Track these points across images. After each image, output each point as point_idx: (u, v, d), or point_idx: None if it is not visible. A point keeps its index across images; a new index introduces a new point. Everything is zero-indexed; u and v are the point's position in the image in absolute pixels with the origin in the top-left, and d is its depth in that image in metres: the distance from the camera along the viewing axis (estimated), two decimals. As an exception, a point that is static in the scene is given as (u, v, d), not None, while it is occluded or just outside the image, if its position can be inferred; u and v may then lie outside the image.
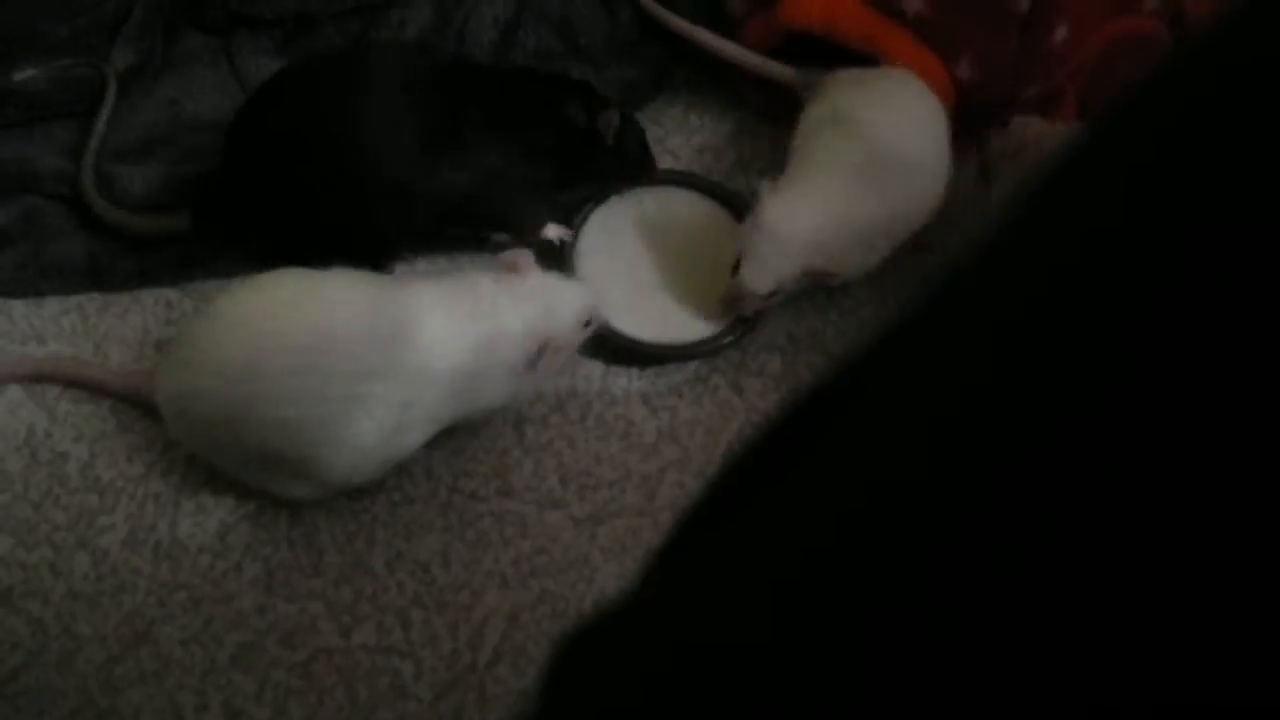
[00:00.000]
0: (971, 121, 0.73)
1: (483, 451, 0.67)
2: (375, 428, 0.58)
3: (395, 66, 0.66)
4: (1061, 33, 0.69)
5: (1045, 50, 0.69)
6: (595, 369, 0.69)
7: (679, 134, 0.77)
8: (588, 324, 0.64)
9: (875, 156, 0.66)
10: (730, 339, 0.69)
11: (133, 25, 0.73)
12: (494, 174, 0.66)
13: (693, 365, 0.70)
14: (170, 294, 0.70)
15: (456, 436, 0.67)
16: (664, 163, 0.76)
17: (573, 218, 0.71)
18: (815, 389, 0.27)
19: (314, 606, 0.62)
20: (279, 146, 0.65)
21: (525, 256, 0.63)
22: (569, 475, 0.66)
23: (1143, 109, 0.21)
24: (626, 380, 0.69)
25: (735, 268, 0.65)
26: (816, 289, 0.70)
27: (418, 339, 0.58)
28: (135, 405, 0.66)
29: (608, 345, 0.69)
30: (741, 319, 0.69)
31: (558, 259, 0.70)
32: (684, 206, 0.73)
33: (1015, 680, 0.18)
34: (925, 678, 0.19)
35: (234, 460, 0.61)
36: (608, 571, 0.64)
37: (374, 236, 0.66)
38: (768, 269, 0.65)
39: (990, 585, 0.19)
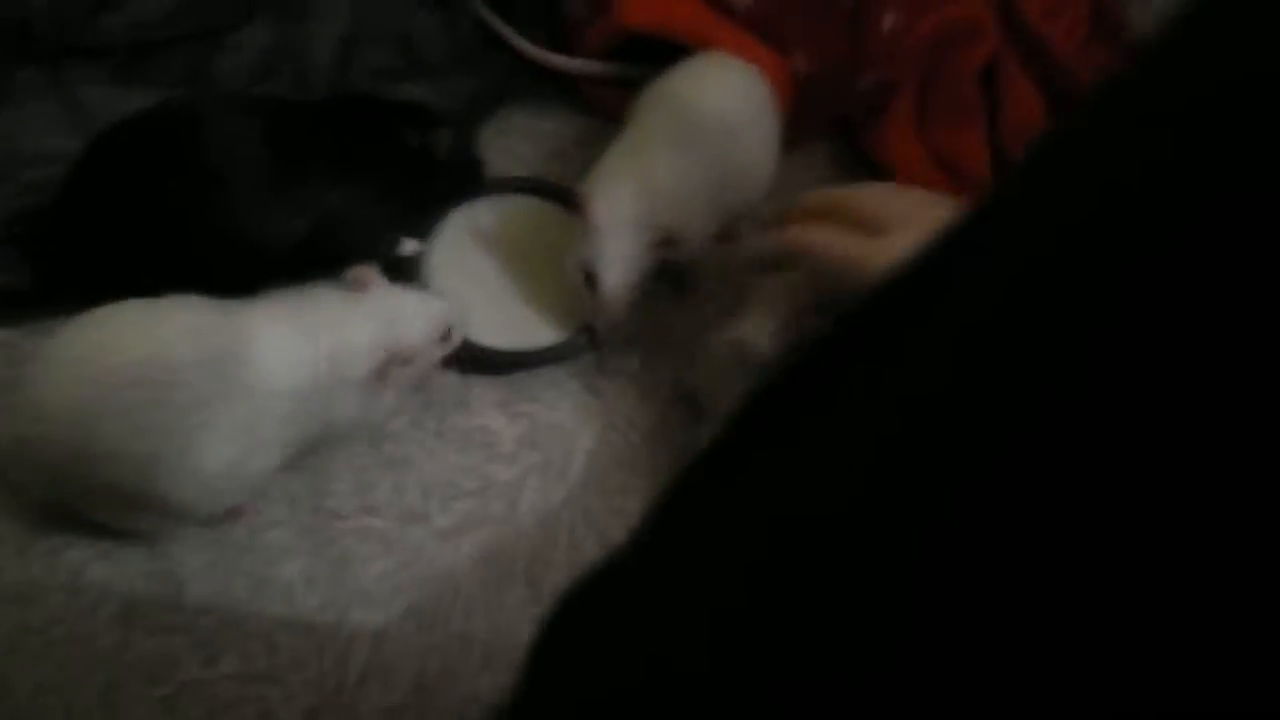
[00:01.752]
0: (814, 116, 0.75)
1: (342, 470, 0.66)
2: (222, 454, 0.57)
3: (227, 113, 0.65)
4: (890, 20, 0.71)
5: (876, 39, 0.71)
6: (451, 380, 0.70)
7: (527, 141, 0.78)
8: (446, 337, 0.64)
9: (690, 124, 0.66)
10: (583, 340, 0.69)
11: (-44, 60, 0.71)
12: (334, 215, 0.66)
13: (549, 371, 0.70)
14: (11, 335, 0.68)
15: (316, 456, 0.66)
16: (514, 170, 0.76)
17: (423, 230, 0.71)
18: (804, 356, 0.26)
19: (176, 639, 0.61)
20: (117, 197, 0.64)
21: (370, 271, 0.63)
22: (430, 488, 0.66)
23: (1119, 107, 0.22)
24: (483, 389, 0.70)
25: (588, 281, 0.66)
26: (662, 285, 0.71)
27: (255, 359, 0.57)
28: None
29: (463, 355, 0.69)
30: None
31: (413, 273, 0.70)
32: (531, 212, 0.74)
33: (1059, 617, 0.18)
34: (974, 624, 0.19)
35: (82, 500, 0.60)
36: (473, 580, 0.64)
37: (216, 284, 0.66)
38: (619, 264, 0.65)
39: (1021, 523, 0.18)
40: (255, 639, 0.61)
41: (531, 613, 0.64)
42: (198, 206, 0.63)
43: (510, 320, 0.70)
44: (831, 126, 0.78)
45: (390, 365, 0.60)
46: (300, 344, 0.58)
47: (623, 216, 0.65)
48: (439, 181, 0.70)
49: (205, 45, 0.75)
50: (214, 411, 0.56)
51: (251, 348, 0.57)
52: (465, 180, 0.72)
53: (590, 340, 0.69)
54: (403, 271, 0.69)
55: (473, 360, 0.69)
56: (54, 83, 0.74)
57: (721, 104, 0.67)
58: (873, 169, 0.79)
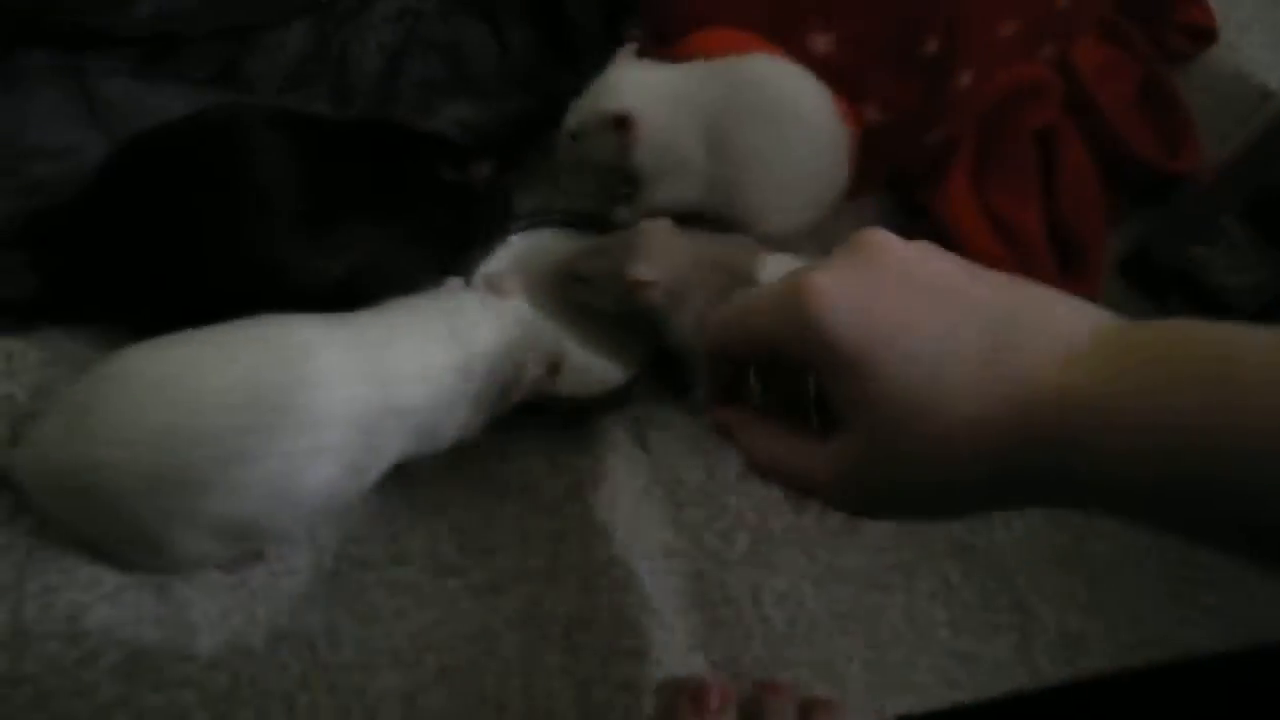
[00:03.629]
0: (877, 167, 0.72)
1: (372, 516, 0.62)
2: (323, 477, 0.53)
3: (267, 130, 0.59)
4: (966, 78, 0.69)
5: (950, 94, 0.69)
6: (492, 424, 0.65)
7: (571, 172, 0.74)
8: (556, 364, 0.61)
9: (736, 92, 0.65)
10: (636, 389, 0.66)
11: (-37, 39, 0.65)
12: (374, 257, 0.61)
13: (594, 419, 0.66)
14: (11, 344, 0.62)
15: (342, 499, 0.61)
16: (558, 202, 0.72)
17: (465, 269, 0.67)
18: None
19: (185, 695, 0.56)
20: (145, 210, 0.58)
21: (513, 279, 0.59)
22: (466, 539, 0.62)
23: None
24: (524, 436, 0.65)
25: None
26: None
27: (384, 371, 0.53)
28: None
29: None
30: (646, 370, 0.66)
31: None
32: (574, 246, 0.70)
33: None
34: None
35: (136, 536, 0.54)
36: (511, 642, 0.60)
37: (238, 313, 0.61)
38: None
39: None
40: (273, 698, 0.56)
41: (570, 678, 0.60)
42: (232, 234, 0.57)
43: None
44: (884, 180, 0.76)
45: (519, 381, 0.57)
46: (430, 354, 0.54)
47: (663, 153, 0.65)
48: (479, 217, 0.66)
49: (237, 43, 0.69)
50: (311, 437, 0.51)
51: (355, 366, 0.53)
52: (500, 214, 0.68)
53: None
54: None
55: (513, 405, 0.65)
56: (69, 71, 0.68)
57: (777, 86, 0.65)
58: (922, 224, 0.77)
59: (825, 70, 0.67)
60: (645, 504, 0.65)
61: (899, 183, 0.76)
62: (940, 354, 0.35)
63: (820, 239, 0.74)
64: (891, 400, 0.35)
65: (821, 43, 0.68)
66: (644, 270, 0.60)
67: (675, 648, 0.61)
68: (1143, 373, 0.32)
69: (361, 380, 0.53)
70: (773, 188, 0.66)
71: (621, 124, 0.63)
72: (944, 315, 0.35)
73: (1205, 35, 0.91)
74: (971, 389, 0.34)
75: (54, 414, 0.53)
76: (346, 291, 0.60)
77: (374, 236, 0.60)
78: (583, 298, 0.65)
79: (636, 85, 0.65)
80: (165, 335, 0.53)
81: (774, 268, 0.61)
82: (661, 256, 0.61)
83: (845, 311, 0.36)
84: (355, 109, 0.69)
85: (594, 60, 0.70)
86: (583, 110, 0.66)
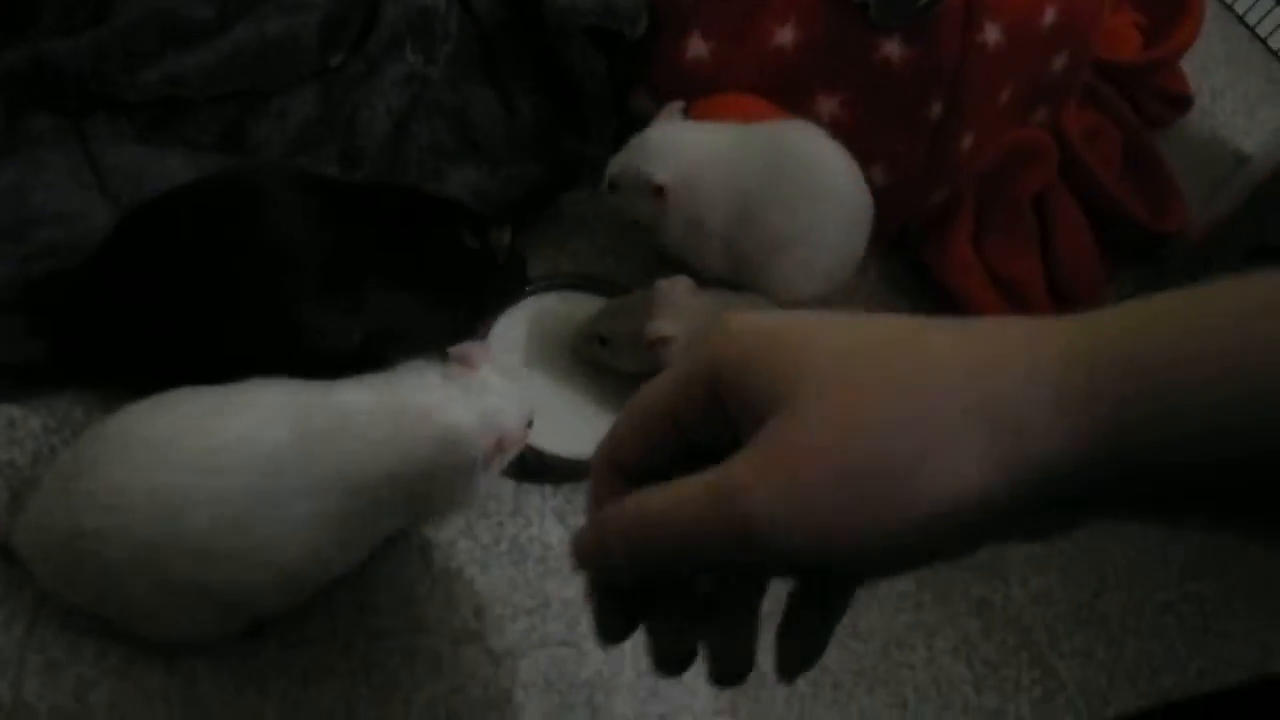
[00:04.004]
0: (882, 227, 0.73)
1: (387, 582, 0.60)
2: (315, 547, 0.51)
3: (290, 191, 0.59)
4: (968, 140, 0.70)
5: (953, 156, 0.70)
6: (506, 487, 0.64)
7: (580, 235, 0.74)
8: (530, 424, 0.59)
9: (774, 162, 0.65)
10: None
11: (-33, 104, 0.64)
12: (392, 322, 0.60)
13: (610, 479, 0.66)
14: (13, 411, 0.61)
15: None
16: (564, 265, 0.73)
17: (478, 333, 0.66)
18: None
19: (196, 773, 0.53)
20: (159, 271, 0.57)
21: (477, 349, 0.58)
22: (484, 605, 0.60)
23: None
24: (540, 498, 0.64)
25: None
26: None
27: (355, 442, 0.51)
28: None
29: (518, 461, 0.64)
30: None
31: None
32: (585, 309, 0.70)
33: None
34: None
35: (133, 606, 0.52)
36: (533, 710, 0.58)
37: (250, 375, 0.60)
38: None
39: None
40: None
41: (594, 747, 0.58)
42: (250, 295, 0.57)
43: (568, 426, 0.65)
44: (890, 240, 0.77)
45: (497, 451, 0.55)
46: (403, 427, 0.52)
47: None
48: (497, 283, 0.65)
49: (245, 108, 0.69)
50: (311, 500, 0.50)
51: (351, 430, 0.51)
52: (518, 280, 0.68)
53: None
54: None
55: (528, 467, 0.64)
56: (74, 136, 0.67)
57: (805, 150, 0.66)
58: (921, 281, 0.77)
59: (832, 132, 0.69)
60: (663, 566, 0.64)
61: (901, 241, 0.77)
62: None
63: (827, 297, 0.74)
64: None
65: (828, 106, 0.69)
66: (663, 327, 0.60)
67: (701, 712, 0.60)
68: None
69: (361, 446, 0.52)
70: (802, 260, 0.66)
71: (658, 193, 0.64)
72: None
73: (1181, 102, 0.94)
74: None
75: (49, 480, 0.52)
76: (363, 354, 0.59)
77: (393, 300, 0.59)
78: (602, 359, 0.65)
79: (676, 151, 0.65)
80: (163, 395, 0.52)
81: None
82: (680, 314, 0.61)
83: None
84: (363, 173, 0.69)
85: (602, 127, 0.71)
86: (625, 166, 0.66)
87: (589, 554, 0.35)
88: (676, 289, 0.62)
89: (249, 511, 0.48)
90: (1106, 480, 0.28)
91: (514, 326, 0.68)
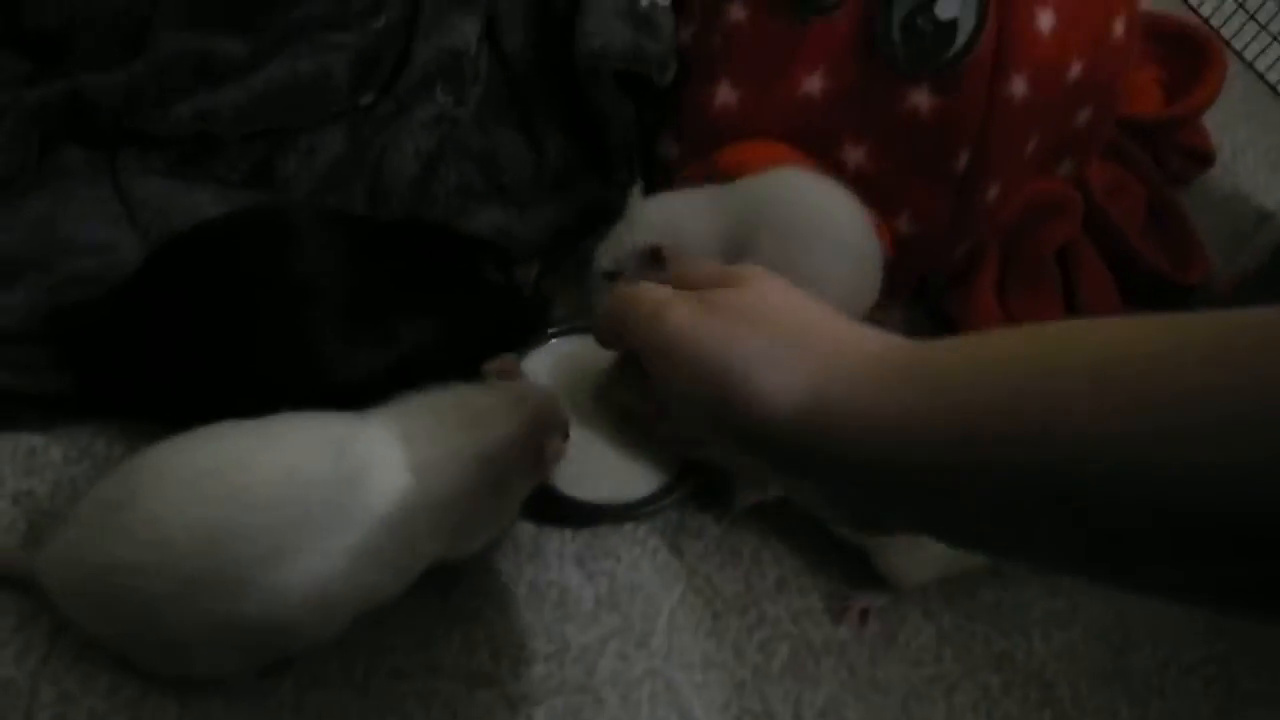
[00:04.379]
0: (906, 277, 0.73)
1: (405, 623, 0.59)
2: (358, 580, 0.50)
3: (317, 226, 0.59)
4: (994, 191, 0.70)
5: (978, 208, 0.70)
6: (525, 531, 0.64)
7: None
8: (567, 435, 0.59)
9: (765, 211, 0.65)
10: (672, 498, 0.65)
11: (2, 134, 0.64)
12: (415, 356, 0.60)
13: (628, 526, 0.65)
14: (34, 440, 0.61)
15: (372, 605, 0.59)
16: (588, 309, 0.72)
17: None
18: None
19: (206, 814, 0.53)
20: (189, 309, 0.57)
21: (512, 361, 0.59)
22: (501, 648, 0.60)
23: None
24: (559, 542, 0.64)
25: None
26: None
27: (395, 472, 0.51)
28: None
29: (538, 504, 0.63)
30: (681, 477, 0.65)
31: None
32: (608, 355, 0.69)
33: None
34: None
35: (163, 641, 0.51)
36: (548, 758, 0.57)
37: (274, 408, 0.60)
38: None
39: None
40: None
41: (609, 798, 0.57)
42: (277, 327, 0.57)
43: (589, 470, 0.65)
44: (912, 290, 0.77)
45: (544, 464, 0.55)
46: (447, 449, 0.52)
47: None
48: (521, 319, 0.65)
49: (274, 145, 0.70)
50: (352, 533, 0.49)
51: (394, 459, 0.51)
52: (537, 314, 0.68)
53: (680, 496, 0.65)
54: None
55: (549, 510, 0.64)
56: (104, 169, 0.68)
57: (798, 201, 0.65)
58: (944, 331, 0.77)
59: (858, 182, 0.69)
60: (681, 613, 0.63)
61: (924, 291, 0.77)
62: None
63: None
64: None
65: (855, 156, 0.69)
66: None
67: (718, 763, 0.59)
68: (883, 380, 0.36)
69: (400, 474, 0.51)
70: None
71: (657, 256, 0.64)
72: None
73: (1204, 158, 0.94)
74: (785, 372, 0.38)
75: (82, 511, 0.51)
76: (387, 389, 0.59)
77: (417, 334, 0.59)
78: (628, 401, 0.64)
79: (666, 215, 0.65)
80: (200, 428, 0.52)
81: None
82: None
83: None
84: (390, 212, 0.69)
85: (628, 172, 0.72)
86: (616, 248, 0.66)
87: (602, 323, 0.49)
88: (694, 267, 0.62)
89: (288, 545, 0.48)
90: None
91: (537, 370, 0.68)
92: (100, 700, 0.55)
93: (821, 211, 0.66)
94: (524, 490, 0.57)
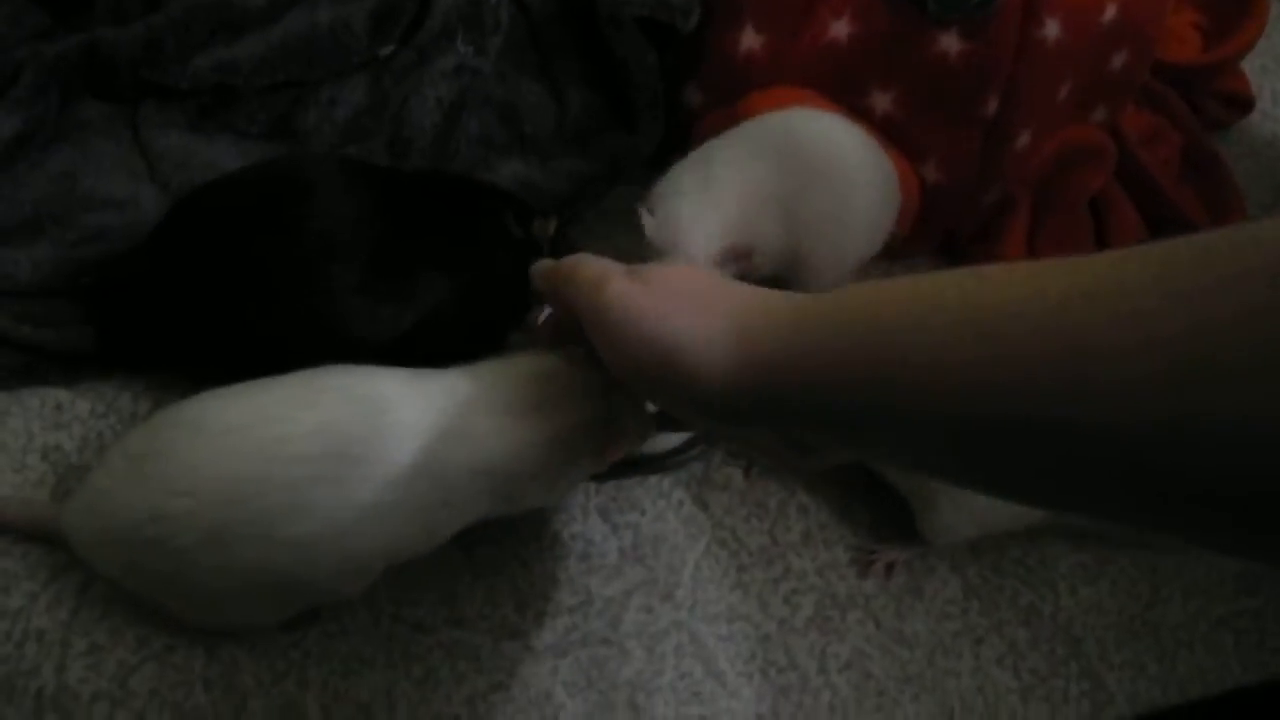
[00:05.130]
0: (934, 226, 0.72)
1: (429, 576, 0.59)
2: (394, 533, 0.50)
3: (339, 179, 0.58)
4: (1024, 138, 0.68)
5: (1009, 154, 0.68)
6: (550, 481, 0.64)
7: (627, 230, 0.73)
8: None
9: (775, 142, 0.64)
10: (697, 450, 0.64)
11: (22, 88, 0.64)
12: (439, 312, 0.59)
13: (653, 479, 0.65)
14: (60, 394, 0.61)
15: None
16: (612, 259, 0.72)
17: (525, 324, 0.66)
18: None
19: (235, 762, 0.53)
20: (208, 259, 0.57)
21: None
22: (525, 601, 0.60)
23: None
24: (583, 495, 0.64)
25: None
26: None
27: (463, 433, 0.50)
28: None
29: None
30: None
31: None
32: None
33: None
34: None
35: (194, 592, 0.51)
36: (573, 710, 0.58)
37: (306, 364, 0.59)
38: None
39: None
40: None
41: (634, 748, 0.57)
42: (299, 283, 0.56)
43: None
44: (938, 241, 0.76)
45: (614, 449, 0.53)
46: (520, 426, 0.51)
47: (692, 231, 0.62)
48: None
49: (294, 98, 0.69)
50: (389, 490, 0.49)
51: (458, 420, 0.50)
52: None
53: (705, 449, 0.64)
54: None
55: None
56: (124, 122, 0.67)
57: (819, 137, 0.64)
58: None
59: (885, 129, 0.67)
60: (706, 566, 0.63)
61: (951, 243, 0.76)
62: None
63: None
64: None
65: (882, 102, 0.68)
66: None
67: (742, 715, 0.59)
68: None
69: (444, 438, 0.50)
70: (834, 241, 0.65)
71: (745, 255, 0.63)
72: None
73: (1243, 104, 0.92)
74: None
75: (111, 463, 0.51)
76: (410, 343, 0.58)
77: (440, 289, 0.59)
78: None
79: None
80: (232, 384, 0.52)
81: None
82: None
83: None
84: (411, 164, 0.68)
85: (651, 121, 0.70)
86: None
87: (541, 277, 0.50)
88: None
89: (323, 500, 0.48)
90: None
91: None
92: (129, 653, 0.55)
93: (842, 144, 0.65)
94: (590, 469, 0.55)
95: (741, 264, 0.63)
